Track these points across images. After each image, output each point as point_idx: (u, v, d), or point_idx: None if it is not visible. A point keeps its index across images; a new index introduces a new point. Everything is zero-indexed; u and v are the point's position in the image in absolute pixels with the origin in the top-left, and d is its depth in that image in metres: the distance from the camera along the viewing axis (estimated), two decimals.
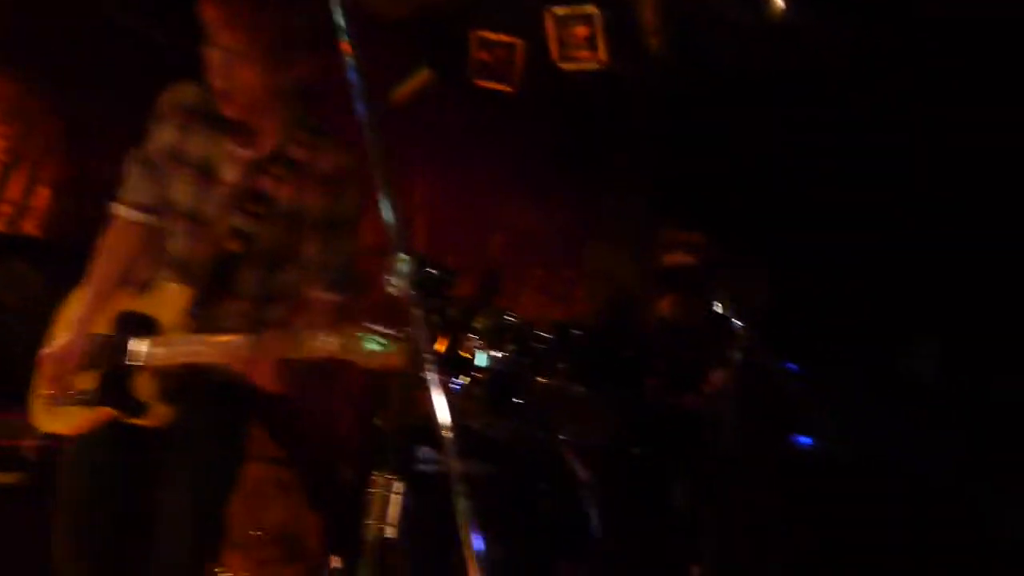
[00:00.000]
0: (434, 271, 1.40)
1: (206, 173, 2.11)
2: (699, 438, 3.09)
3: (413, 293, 1.38)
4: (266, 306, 2.16)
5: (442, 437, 1.33)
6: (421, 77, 3.48)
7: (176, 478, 2.10)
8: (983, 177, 3.54)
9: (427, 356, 1.33)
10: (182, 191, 2.14)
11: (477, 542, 1.17)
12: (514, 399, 3.09)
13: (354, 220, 2.15)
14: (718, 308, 2.81)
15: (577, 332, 3.23)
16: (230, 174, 2.12)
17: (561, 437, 3.19)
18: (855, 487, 3.40)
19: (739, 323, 2.79)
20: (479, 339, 3.11)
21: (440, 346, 2.98)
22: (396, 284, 1.38)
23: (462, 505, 1.21)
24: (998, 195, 3.53)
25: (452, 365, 3.06)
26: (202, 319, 2.05)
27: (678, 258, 3.52)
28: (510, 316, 3.17)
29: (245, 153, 2.12)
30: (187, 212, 2.13)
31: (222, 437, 2.14)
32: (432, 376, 1.31)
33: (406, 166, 4.36)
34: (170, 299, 2.07)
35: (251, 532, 3.09)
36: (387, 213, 1.40)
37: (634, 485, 3.22)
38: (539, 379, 3.13)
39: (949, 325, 3.62)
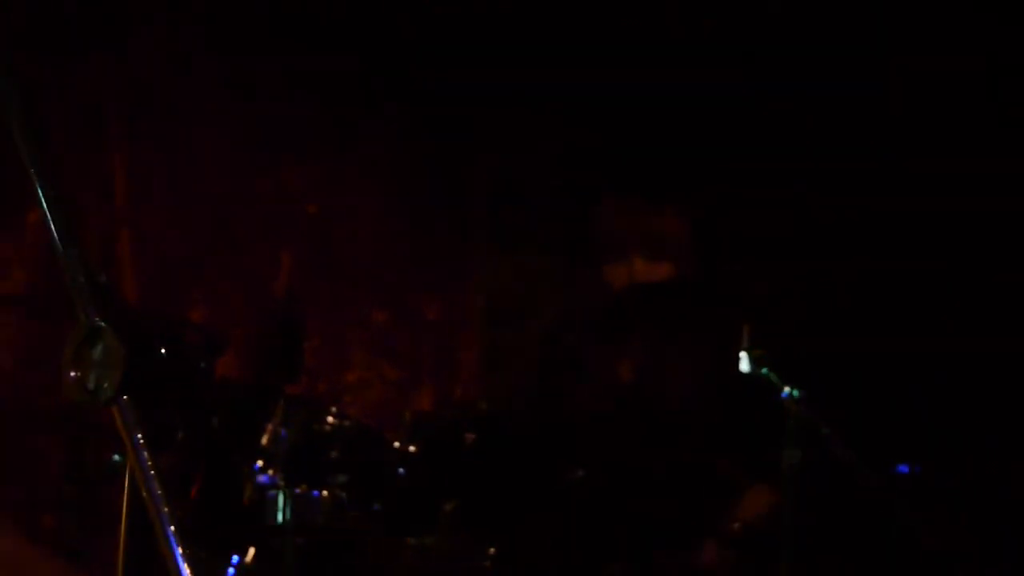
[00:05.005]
0: (173, 342, 1.44)
1: None
2: None
3: (125, 396, 1.35)
4: None
5: None
6: None
7: None
8: None
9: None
10: None
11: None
12: None
13: None
14: (745, 364, 2.88)
15: (472, 435, 3.21)
16: None
17: None
18: None
19: (789, 390, 2.83)
20: (271, 469, 3.09)
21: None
22: (87, 381, 1.38)
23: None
24: None
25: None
26: None
27: (646, 266, 3.42)
28: (332, 416, 3.15)
29: None
30: None
31: None
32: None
33: (89, 142, 4.41)
34: None
35: None
36: (56, 236, 1.39)
37: None
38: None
39: None
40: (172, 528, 1.39)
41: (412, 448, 3.09)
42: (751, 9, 4.67)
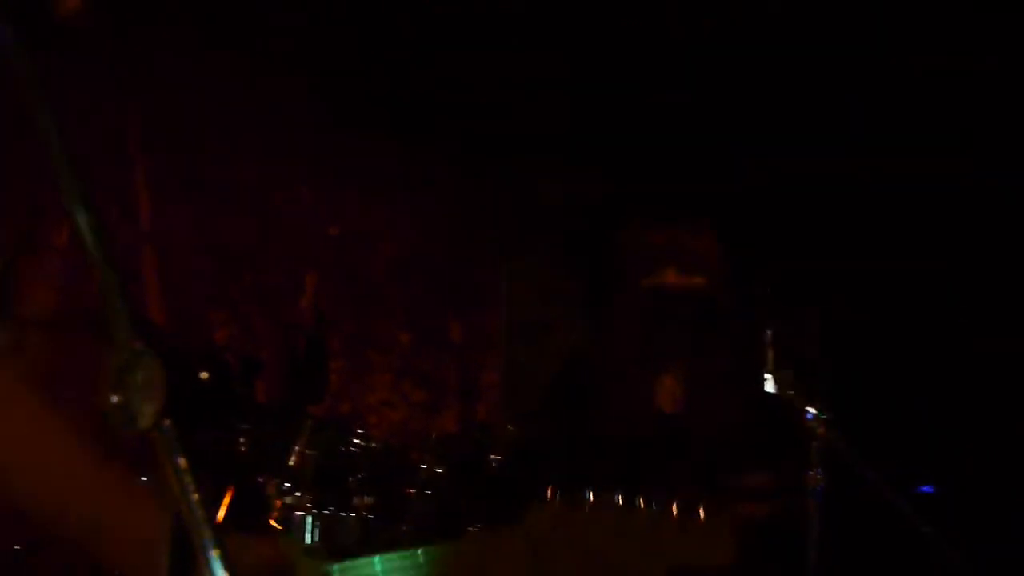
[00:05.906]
0: (212, 367, 1.63)
1: None
2: None
3: (166, 420, 1.26)
4: None
5: None
6: None
7: None
8: None
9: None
10: None
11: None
12: None
13: None
14: (771, 385, 2.85)
15: (498, 459, 3.27)
16: None
17: None
18: None
19: (815, 412, 2.80)
20: (297, 494, 3.06)
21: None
22: (129, 406, 1.28)
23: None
24: None
25: None
26: None
27: (673, 278, 3.43)
28: (358, 437, 3.17)
29: None
30: None
31: None
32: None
33: (112, 162, 4.46)
34: None
35: None
36: (94, 261, 1.32)
37: None
38: None
39: None
40: (215, 553, 1.38)
41: (439, 469, 3.10)
42: (752, 9, 4.67)
